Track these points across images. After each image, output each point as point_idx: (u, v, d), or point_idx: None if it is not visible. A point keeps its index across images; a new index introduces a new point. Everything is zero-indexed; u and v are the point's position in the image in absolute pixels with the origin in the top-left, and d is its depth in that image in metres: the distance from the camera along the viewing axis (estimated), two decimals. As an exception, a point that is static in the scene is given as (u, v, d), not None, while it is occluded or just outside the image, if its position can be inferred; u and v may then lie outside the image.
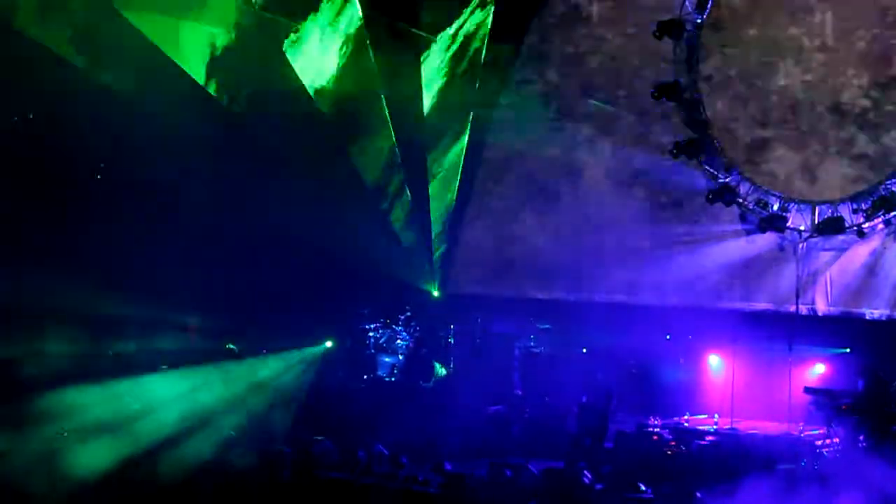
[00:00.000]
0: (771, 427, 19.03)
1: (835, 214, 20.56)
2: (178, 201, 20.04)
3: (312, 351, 21.19)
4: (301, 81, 21.65)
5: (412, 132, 22.52)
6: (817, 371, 19.82)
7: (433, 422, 19.15)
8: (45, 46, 19.13)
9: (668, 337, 20.71)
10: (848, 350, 19.60)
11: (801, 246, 20.92)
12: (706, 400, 20.29)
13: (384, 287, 22.09)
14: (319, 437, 18.00)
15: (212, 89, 20.95)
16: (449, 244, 23.52)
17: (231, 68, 21.00)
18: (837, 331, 20.07)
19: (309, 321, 21.38)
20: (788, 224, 20.93)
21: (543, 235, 22.65)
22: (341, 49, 21.86)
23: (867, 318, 20.52)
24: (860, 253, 20.62)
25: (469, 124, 22.83)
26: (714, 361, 20.69)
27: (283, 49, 21.48)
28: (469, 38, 22.58)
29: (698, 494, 15.37)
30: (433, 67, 22.70)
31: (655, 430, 18.46)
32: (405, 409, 19.50)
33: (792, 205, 20.98)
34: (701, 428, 19.07)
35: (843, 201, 20.64)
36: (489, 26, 22.40)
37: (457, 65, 22.81)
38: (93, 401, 17.74)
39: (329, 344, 21.64)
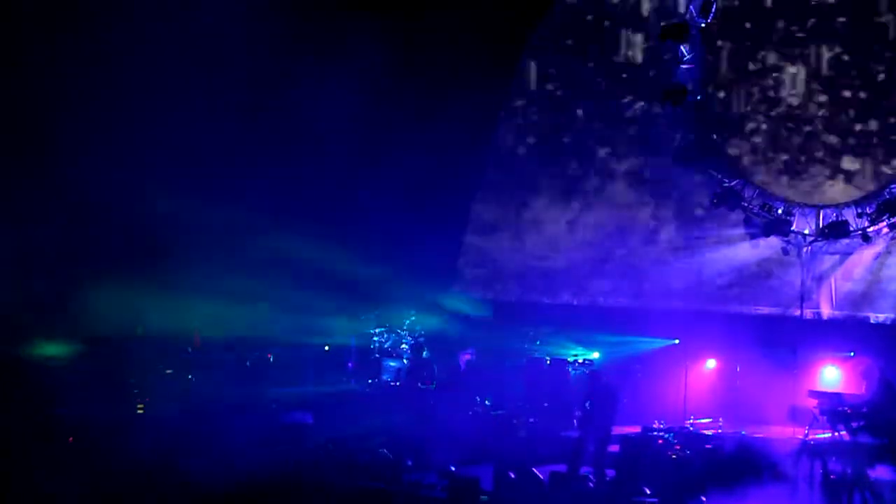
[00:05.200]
0: (776, 431, 19.01)
1: (839, 218, 20.58)
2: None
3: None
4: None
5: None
6: (822, 375, 19.81)
7: (435, 425, 19.15)
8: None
9: (676, 341, 20.73)
10: (852, 354, 19.58)
11: (805, 250, 20.94)
12: (711, 404, 20.27)
13: (392, 288, 22.05)
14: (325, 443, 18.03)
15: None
16: (455, 248, 23.55)
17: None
18: (842, 335, 20.06)
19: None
20: (793, 228, 20.95)
21: (549, 240, 22.68)
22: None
23: (872, 321, 20.53)
24: (865, 257, 20.66)
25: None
26: (719, 365, 20.68)
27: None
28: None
29: (703, 498, 15.37)
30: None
31: (660, 434, 18.44)
32: (408, 413, 19.51)
33: (796, 209, 21.00)
34: (705, 432, 19.05)
35: (847, 205, 20.67)
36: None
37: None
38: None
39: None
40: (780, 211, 21.05)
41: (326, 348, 21.63)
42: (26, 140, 19.25)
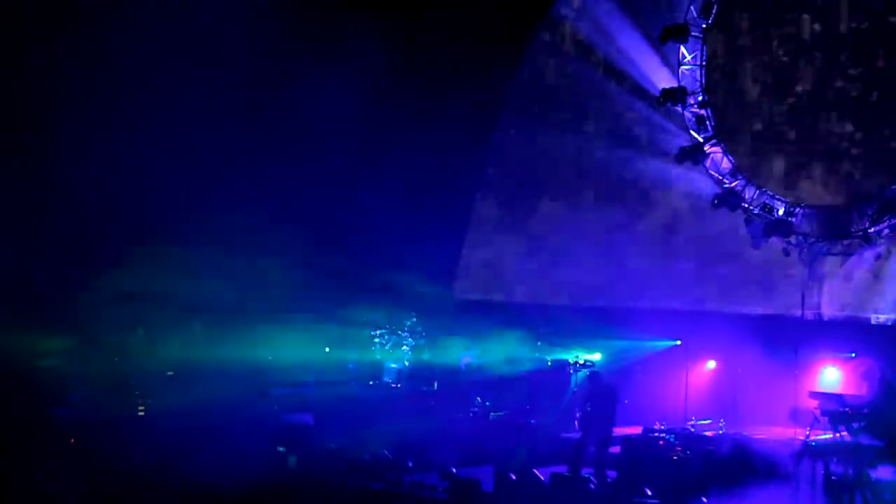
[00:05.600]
0: (777, 432, 19.00)
1: (840, 219, 20.55)
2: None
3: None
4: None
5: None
6: (823, 376, 19.79)
7: (436, 427, 19.14)
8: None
9: (677, 342, 20.72)
10: (853, 355, 19.56)
11: (806, 250, 20.92)
12: (712, 405, 20.25)
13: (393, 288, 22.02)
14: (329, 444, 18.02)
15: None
16: (456, 248, 23.53)
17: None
18: (843, 335, 20.04)
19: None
20: (794, 228, 20.93)
21: (550, 241, 22.67)
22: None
23: (873, 322, 20.51)
24: (866, 257, 20.65)
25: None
26: (720, 366, 20.65)
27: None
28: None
29: (704, 500, 15.35)
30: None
31: (661, 435, 18.43)
32: (409, 414, 19.51)
33: (797, 209, 20.99)
34: (707, 433, 19.03)
35: (848, 205, 20.66)
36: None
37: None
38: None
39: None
40: (780, 211, 21.05)
41: (327, 350, 21.61)
42: (26, 140, 19.24)
